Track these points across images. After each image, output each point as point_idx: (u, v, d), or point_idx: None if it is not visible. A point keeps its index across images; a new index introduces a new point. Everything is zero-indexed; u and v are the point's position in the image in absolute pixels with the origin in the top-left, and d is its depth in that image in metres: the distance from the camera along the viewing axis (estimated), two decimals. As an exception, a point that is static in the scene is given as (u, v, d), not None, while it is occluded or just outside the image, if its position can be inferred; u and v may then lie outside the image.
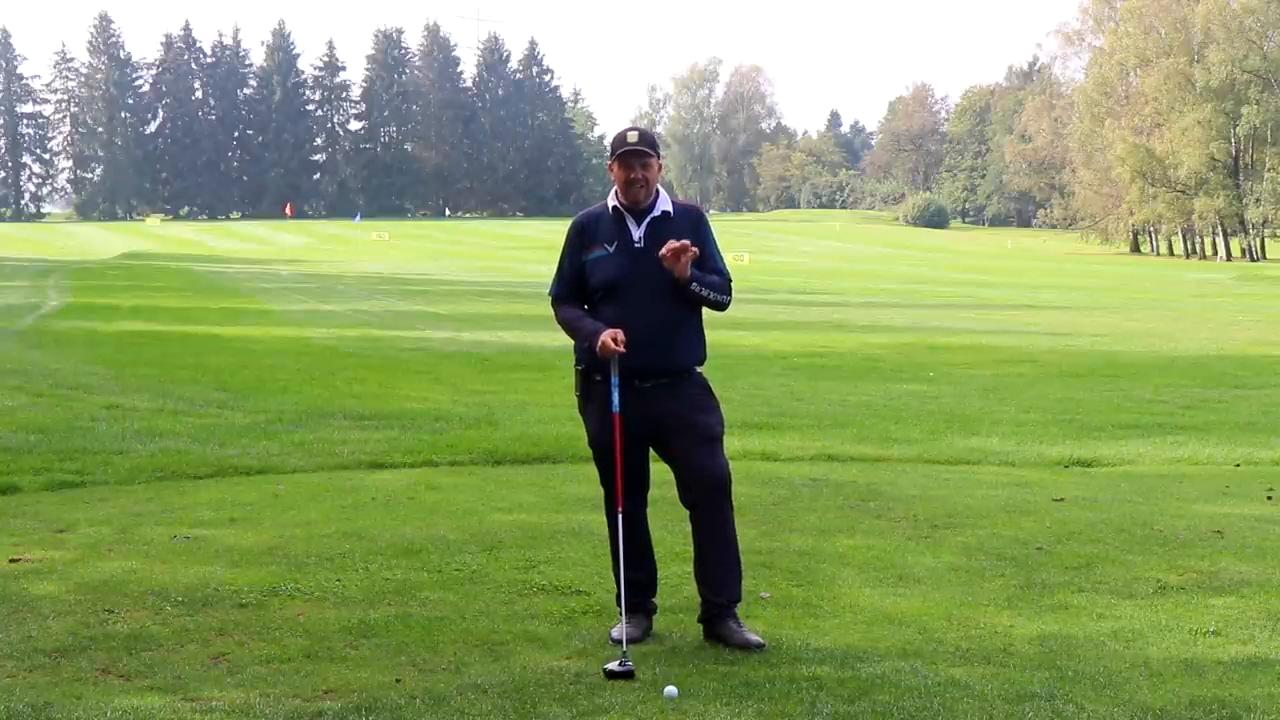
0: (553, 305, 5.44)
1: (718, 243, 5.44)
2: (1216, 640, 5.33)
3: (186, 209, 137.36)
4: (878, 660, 5.00)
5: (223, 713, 4.38)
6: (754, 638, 5.17)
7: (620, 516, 5.27)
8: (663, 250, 5.11)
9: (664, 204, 5.31)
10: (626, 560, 5.29)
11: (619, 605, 5.28)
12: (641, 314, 5.18)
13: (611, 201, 5.32)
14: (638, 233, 5.25)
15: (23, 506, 7.99)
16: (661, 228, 5.26)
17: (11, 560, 6.44)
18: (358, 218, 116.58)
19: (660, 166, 5.31)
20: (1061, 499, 8.39)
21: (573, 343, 5.38)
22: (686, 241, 5.13)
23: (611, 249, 5.24)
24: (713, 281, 5.26)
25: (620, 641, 5.06)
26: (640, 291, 5.20)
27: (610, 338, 5.09)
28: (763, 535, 7.11)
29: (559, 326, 5.42)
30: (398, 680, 4.72)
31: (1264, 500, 8.60)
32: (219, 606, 5.65)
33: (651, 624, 5.37)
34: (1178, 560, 6.67)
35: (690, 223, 5.32)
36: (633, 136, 5.23)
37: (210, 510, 7.79)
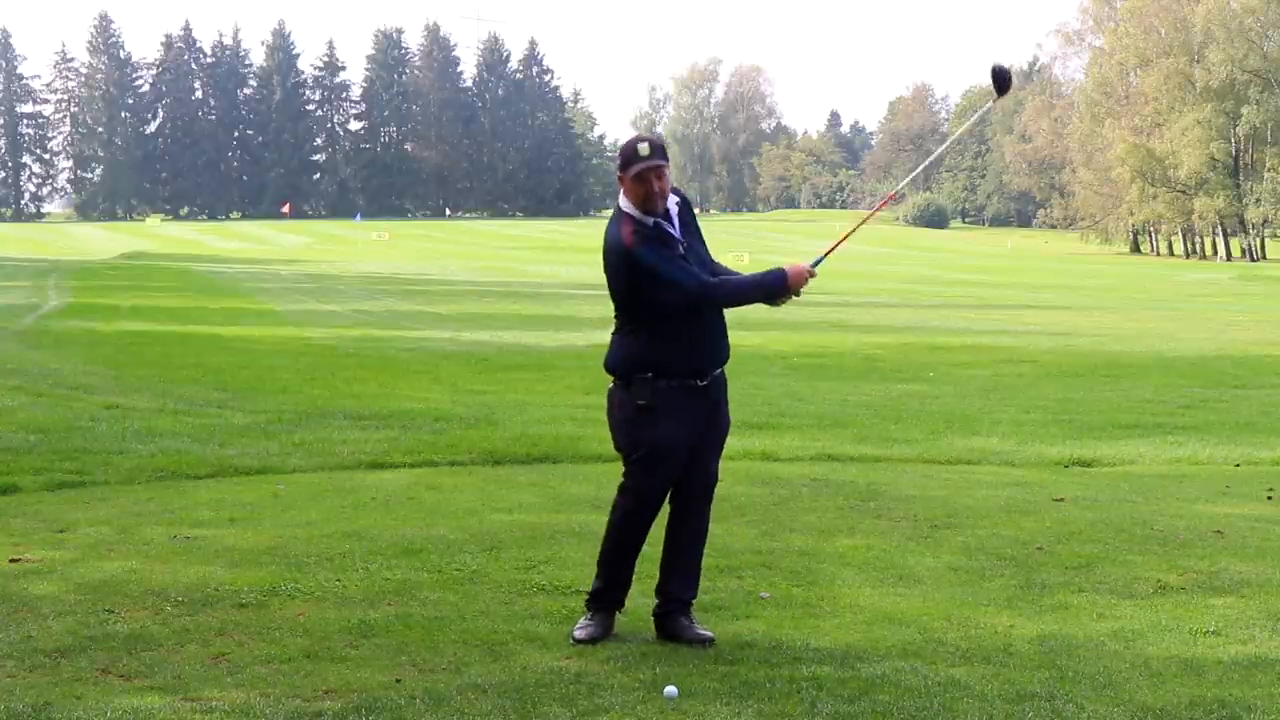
0: (701, 290, 5.18)
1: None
2: (1216, 640, 5.33)
3: (186, 209, 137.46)
4: (878, 660, 5.01)
5: (223, 713, 4.38)
6: (705, 633, 5.25)
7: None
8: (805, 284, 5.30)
9: (673, 201, 5.33)
10: (627, 561, 5.35)
11: (595, 602, 5.33)
12: (703, 314, 5.26)
13: (649, 220, 5.20)
14: (678, 234, 5.28)
15: (23, 506, 7.98)
16: (685, 224, 5.32)
17: (11, 560, 6.44)
18: (358, 218, 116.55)
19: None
20: (1061, 499, 8.39)
21: (631, 351, 5.25)
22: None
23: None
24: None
25: (585, 642, 5.16)
26: None
27: (799, 270, 5.23)
28: (763, 535, 7.11)
29: (727, 300, 5.29)
30: (398, 680, 4.72)
31: (1264, 500, 8.59)
32: (219, 606, 5.65)
33: (614, 622, 5.39)
34: (1178, 560, 6.67)
35: (689, 209, 5.41)
36: (644, 149, 5.17)
37: (210, 510, 7.78)
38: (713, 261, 5.44)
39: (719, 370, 5.40)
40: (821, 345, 22.20)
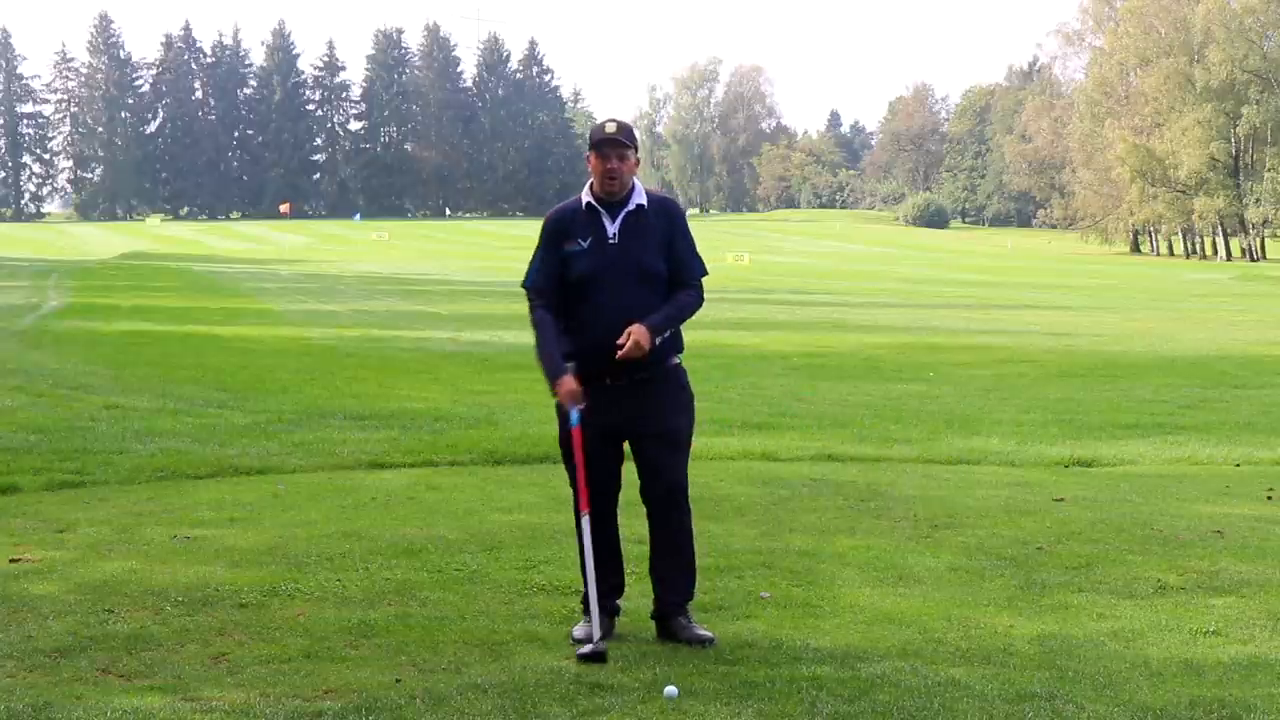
0: (529, 295, 5.36)
1: (693, 236, 5.44)
2: (1216, 640, 5.32)
3: (186, 209, 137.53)
4: (878, 660, 5.00)
5: (223, 713, 4.38)
6: (704, 633, 5.23)
7: (587, 518, 5.27)
8: (619, 355, 5.12)
9: (639, 197, 5.31)
10: (589, 560, 5.29)
11: (583, 604, 5.32)
12: (617, 309, 5.18)
13: (586, 198, 5.31)
14: (612, 228, 5.26)
15: (23, 506, 7.99)
16: (636, 223, 5.28)
17: (11, 560, 6.44)
18: (358, 217, 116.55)
19: (637, 160, 5.32)
20: (1061, 499, 8.39)
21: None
22: (631, 344, 5.10)
23: (586, 244, 5.24)
24: (673, 312, 5.25)
25: (583, 641, 5.13)
26: (615, 286, 5.21)
27: (571, 393, 5.18)
28: (763, 535, 7.11)
29: (530, 321, 5.36)
30: (398, 680, 4.72)
31: (1264, 500, 8.60)
32: (219, 606, 5.65)
33: (614, 625, 5.37)
34: (1178, 560, 6.67)
35: (665, 217, 5.34)
36: (610, 127, 5.25)
37: (210, 510, 7.78)
38: (682, 276, 5.31)
39: (642, 375, 5.25)
40: (821, 345, 22.17)
